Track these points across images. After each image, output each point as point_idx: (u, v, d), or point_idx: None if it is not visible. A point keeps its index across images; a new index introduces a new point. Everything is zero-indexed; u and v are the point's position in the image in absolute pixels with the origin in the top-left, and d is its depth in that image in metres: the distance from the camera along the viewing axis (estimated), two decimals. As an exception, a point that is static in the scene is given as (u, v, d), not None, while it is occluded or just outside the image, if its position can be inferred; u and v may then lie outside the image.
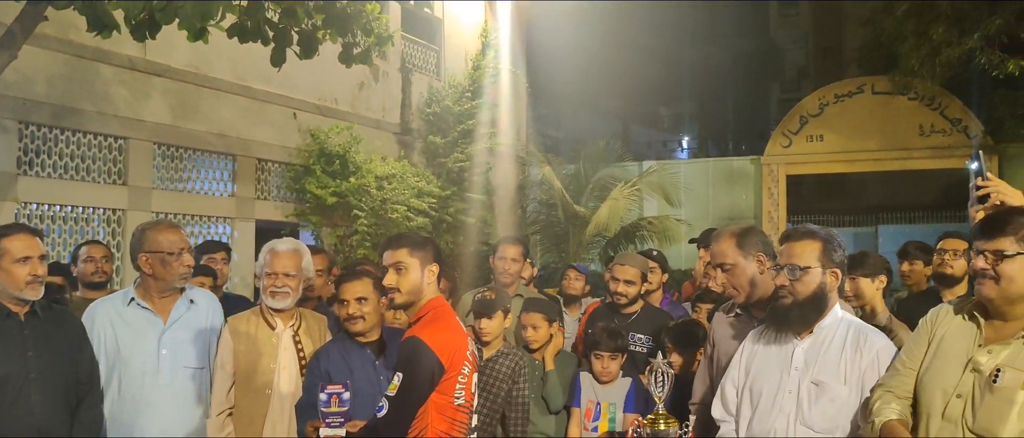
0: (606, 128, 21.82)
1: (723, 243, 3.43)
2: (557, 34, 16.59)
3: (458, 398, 3.00)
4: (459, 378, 2.99)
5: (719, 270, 3.43)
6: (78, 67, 8.22)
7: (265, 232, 10.23)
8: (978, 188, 2.77)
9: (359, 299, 3.69)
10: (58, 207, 8.20)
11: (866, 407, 2.82)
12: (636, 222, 14.63)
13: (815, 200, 18.07)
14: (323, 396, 3.32)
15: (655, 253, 5.93)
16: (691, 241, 6.52)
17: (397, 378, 2.91)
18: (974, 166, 2.80)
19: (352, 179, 10.91)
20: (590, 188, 14.72)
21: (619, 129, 24.87)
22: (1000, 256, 2.55)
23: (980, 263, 2.60)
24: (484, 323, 4.31)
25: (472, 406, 3.11)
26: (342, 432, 3.26)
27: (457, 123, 13.18)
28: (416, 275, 3.09)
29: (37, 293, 3.41)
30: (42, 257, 3.44)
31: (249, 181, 10.25)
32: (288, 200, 10.85)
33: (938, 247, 4.80)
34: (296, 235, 11.06)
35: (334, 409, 3.30)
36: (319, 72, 10.49)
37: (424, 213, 11.73)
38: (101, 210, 8.60)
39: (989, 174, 2.78)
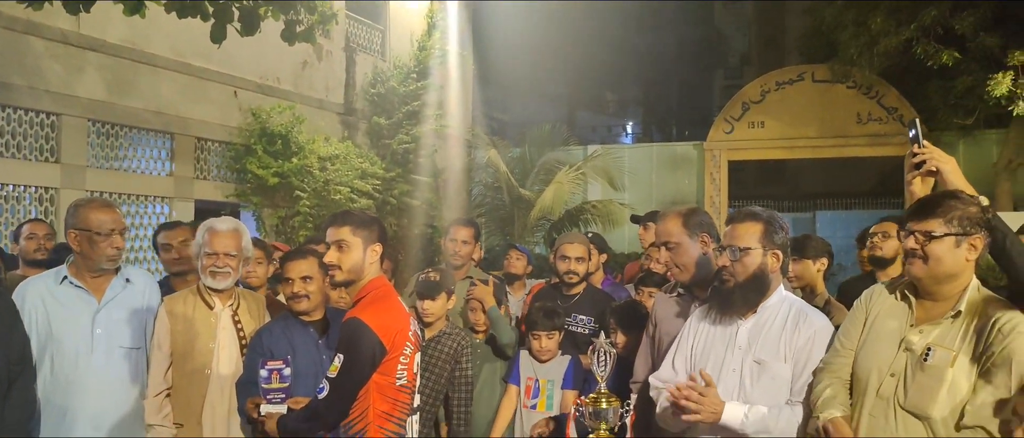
0: (552, 112, 21.88)
1: (669, 222, 3.44)
2: (505, 17, 16.53)
3: (400, 378, 2.98)
4: (401, 359, 2.97)
5: (664, 249, 3.45)
6: (8, 40, 7.95)
7: (204, 213, 10.03)
8: (914, 155, 2.82)
9: (304, 278, 3.66)
10: (-13, 184, 7.94)
11: (808, 392, 2.87)
12: (581, 206, 14.74)
13: (756, 186, 18.36)
14: (263, 372, 3.27)
15: (591, 235, 5.95)
16: (634, 219, 6.55)
17: (338, 359, 2.88)
18: (912, 134, 2.86)
19: (294, 159, 10.75)
20: (535, 171, 14.78)
21: (565, 114, 24.94)
22: (929, 237, 2.61)
23: (910, 243, 2.66)
24: (427, 304, 4.27)
25: (415, 386, 3.09)
26: (283, 408, 3.22)
27: (402, 104, 13.06)
28: (358, 254, 3.05)
29: None
30: None
31: (188, 160, 10.04)
32: (228, 180, 10.65)
33: (871, 230, 4.91)
34: (236, 216, 10.88)
35: (275, 385, 3.26)
36: (261, 50, 10.31)
37: (368, 194, 11.62)
38: (33, 188, 8.34)
39: (925, 142, 2.83)
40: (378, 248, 3.09)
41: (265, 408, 3.26)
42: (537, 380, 4.37)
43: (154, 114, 9.54)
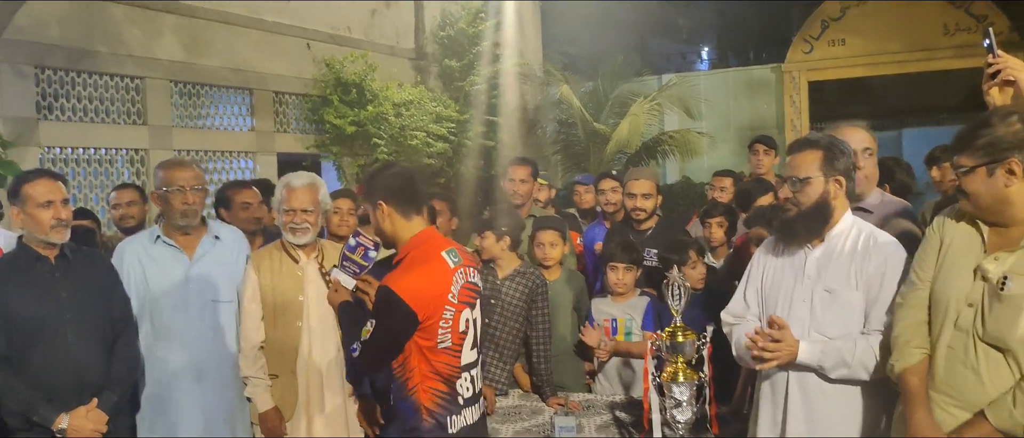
0: (623, 42, 21.47)
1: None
2: (569, -52, 16.24)
3: (442, 341, 2.89)
4: (441, 323, 2.87)
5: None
6: (89, 9, 8.19)
7: (287, 165, 10.29)
8: (989, 65, 2.72)
9: None
10: (82, 150, 8.26)
11: (884, 332, 2.84)
12: (657, 137, 14.59)
13: (838, 106, 17.75)
14: (352, 241, 3.14)
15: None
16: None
17: (370, 324, 2.82)
18: (986, 43, 2.74)
19: (370, 107, 10.88)
20: (610, 105, 14.64)
21: (637, 43, 24.46)
22: (961, 171, 2.55)
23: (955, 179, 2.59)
24: (477, 241, 4.38)
25: (463, 343, 2.98)
26: (352, 283, 3.10)
27: (472, 45, 13.02)
28: (374, 219, 2.99)
29: (62, 236, 3.47)
30: (65, 201, 3.49)
31: (267, 114, 10.26)
32: (308, 132, 10.86)
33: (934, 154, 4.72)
34: (318, 166, 11.13)
35: (356, 258, 3.13)
36: (331, 1, 10.42)
37: (443, 138, 11.70)
38: (123, 151, 8.66)
39: (999, 51, 2.72)
40: (382, 205, 2.95)
41: (335, 273, 3.16)
42: (615, 319, 4.41)
43: (232, 71, 9.75)
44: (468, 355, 3.00)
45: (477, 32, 13.05)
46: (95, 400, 3.44)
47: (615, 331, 4.38)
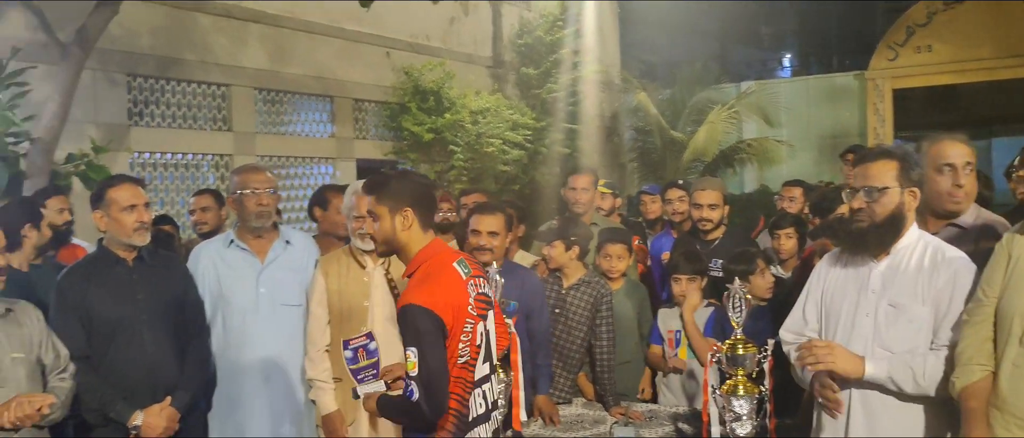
0: (704, 50, 21.28)
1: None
2: (650, -44, 16.16)
3: (462, 355, 2.79)
4: (462, 337, 2.78)
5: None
6: (178, 18, 8.52)
7: (366, 171, 10.50)
8: None
9: (491, 233, 3.94)
10: (169, 155, 8.59)
11: (951, 349, 2.77)
12: (735, 145, 14.38)
13: (924, 114, 17.23)
14: (348, 353, 3.09)
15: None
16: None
17: (412, 353, 2.67)
18: None
19: (447, 115, 11.03)
20: (687, 112, 14.50)
21: (717, 50, 24.20)
22: None
23: None
24: (545, 250, 4.43)
25: (479, 357, 2.90)
26: (380, 385, 3.06)
27: (549, 53, 13.10)
28: (387, 223, 2.86)
29: (144, 239, 3.64)
30: (147, 205, 3.66)
31: (347, 121, 10.49)
32: (386, 138, 11.07)
33: (1014, 162, 4.54)
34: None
35: (363, 363, 3.13)
36: (410, 9, 10.62)
37: (519, 145, 11.78)
38: (209, 156, 8.97)
39: None
40: (408, 212, 2.85)
41: (362, 389, 3.09)
42: (678, 331, 4.39)
43: (314, 79, 10.01)
44: (481, 370, 2.90)
45: (555, 40, 13.11)
46: (168, 399, 3.59)
47: (678, 343, 4.36)
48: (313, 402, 3.99)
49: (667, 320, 4.46)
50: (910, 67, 15.66)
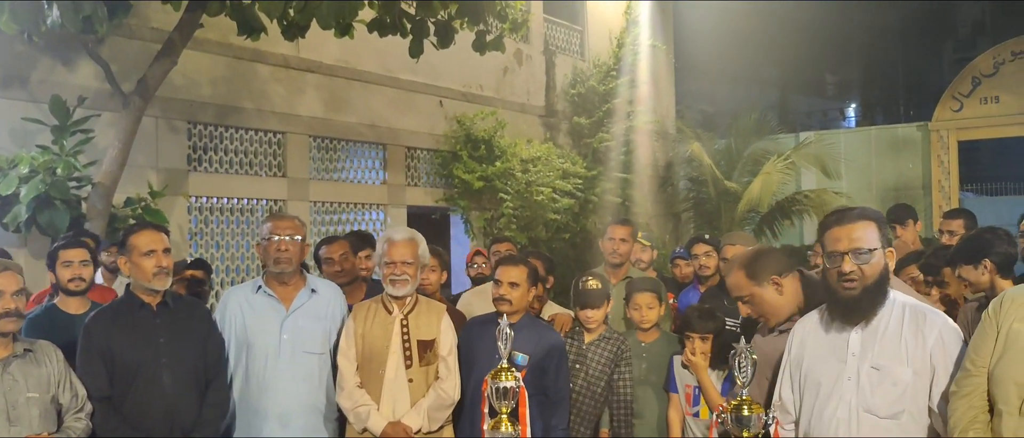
0: (763, 99, 21.19)
1: (734, 277, 3.46)
2: (706, 6, 16.18)
3: None
4: None
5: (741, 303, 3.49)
6: (238, 68, 8.83)
7: (416, 217, 10.67)
8: None
9: (511, 284, 4.06)
10: (225, 200, 8.85)
11: (943, 414, 2.74)
12: (792, 196, 14.19)
13: (991, 167, 16.87)
14: None
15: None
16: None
17: None
18: None
19: (498, 163, 11.15)
20: (742, 163, 14.38)
21: (776, 100, 24.05)
22: None
23: None
24: (590, 313, 4.37)
25: None
26: None
27: (602, 102, 13.19)
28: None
29: (164, 283, 3.78)
30: (166, 250, 3.81)
31: (399, 168, 10.68)
32: (437, 185, 11.22)
33: None
34: (446, 220, 11.46)
35: None
36: (463, 59, 10.72)
37: (569, 194, 11.84)
38: (264, 201, 9.21)
39: None
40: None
41: None
42: (697, 387, 4.32)
43: (367, 127, 10.24)
44: None
45: (608, 89, 13.20)
46: None
47: (697, 399, 4.30)
48: None
49: (683, 374, 4.40)
50: (976, 118, 15.37)
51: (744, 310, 3.47)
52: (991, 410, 2.60)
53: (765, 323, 3.47)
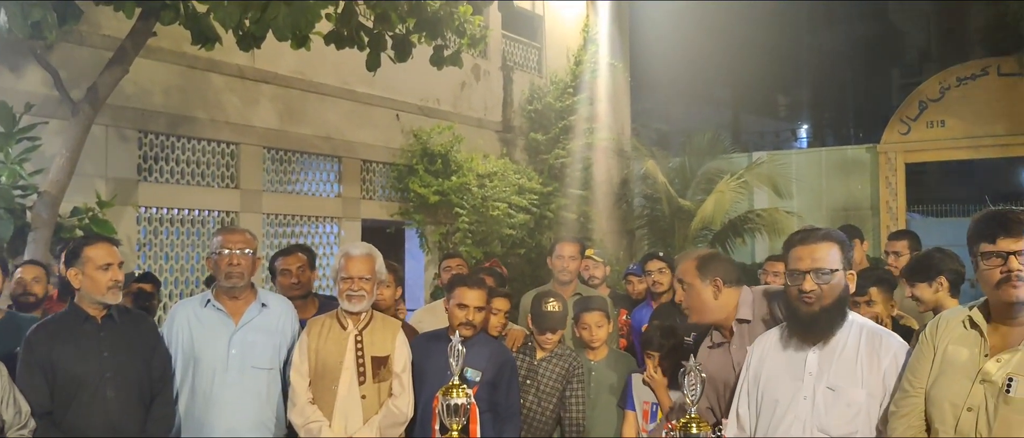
0: (716, 119, 21.47)
1: (686, 263, 3.56)
2: (662, 26, 16.41)
3: None
4: None
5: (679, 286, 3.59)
6: (191, 77, 8.71)
7: (371, 231, 10.60)
8: None
9: (477, 308, 4.07)
10: (176, 211, 8.70)
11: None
12: (744, 215, 14.36)
13: (938, 189, 17.27)
14: None
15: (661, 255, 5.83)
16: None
17: None
18: None
19: (454, 178, 11.13)
20: (696, 181, 14.53)
21: (729, 120, 24.40)
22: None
23: (1013, 264, 2.46)
24: (550, 336, 4.39)
25: None
26: None
27: (559, 119, 13.26)
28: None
29: (116, 298, 3.70)
30: (120, 264, 3.74)
31: (355, 182, 10.61)
32: (393, 199, 11.17)
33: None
34: (401, 233, 11.41)
35: None
36: (420, 73, 10.65)
37: (525, 209, 11.85)
38: (215, 213, 9.08)
39: None
40: None
41: None
42: (655, 404, 4.33)
43: (323, 139, 10.16)
44: None
45: (564, 106, 13.28)
46: None
47: (654, 417, 4.30)
48: None
49: (642, 391, 4.40)
50: (923, 142, 15.72)
51: (679, 294, 3.59)
52: (929, 429, 2.64)
53: (688, 317, 3.61)
